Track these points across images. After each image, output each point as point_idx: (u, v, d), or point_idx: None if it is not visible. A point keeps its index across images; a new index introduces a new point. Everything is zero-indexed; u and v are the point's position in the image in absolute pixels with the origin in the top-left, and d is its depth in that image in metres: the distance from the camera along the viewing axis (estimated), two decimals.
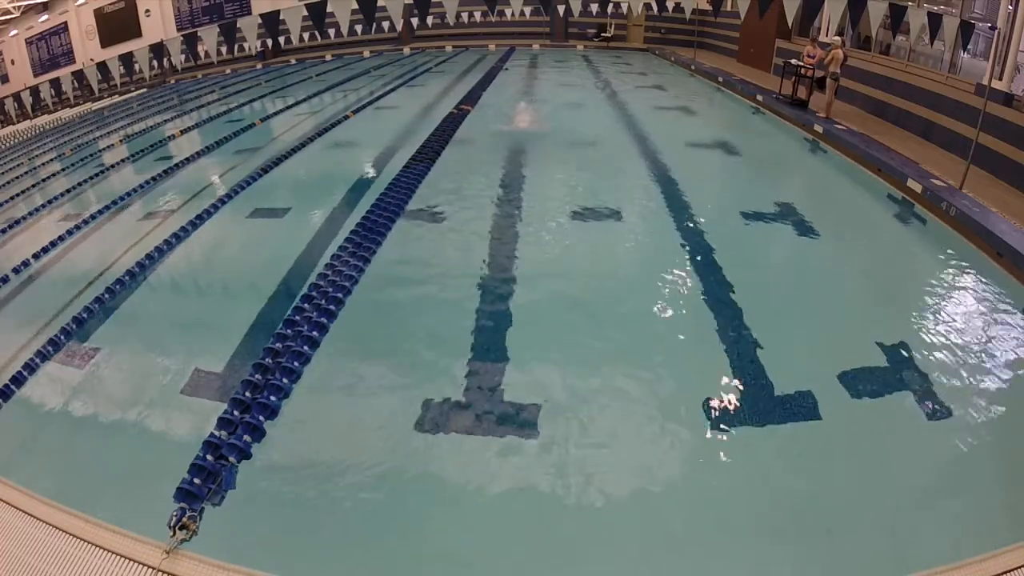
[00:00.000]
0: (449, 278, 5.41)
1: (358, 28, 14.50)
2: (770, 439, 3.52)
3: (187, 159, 10.09)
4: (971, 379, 3.98)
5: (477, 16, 17.76)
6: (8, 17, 23.92)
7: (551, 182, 7.79)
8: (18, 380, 4.34)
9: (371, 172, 8.54)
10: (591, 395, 3.87)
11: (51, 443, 3.86)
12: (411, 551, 2.96)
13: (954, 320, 4.68)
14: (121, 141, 12.70)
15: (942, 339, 4.41)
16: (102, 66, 10.19)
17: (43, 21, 24.05)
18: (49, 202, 8.77)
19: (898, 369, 4.04)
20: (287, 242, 6.25)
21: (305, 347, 4.33)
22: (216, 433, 3.57)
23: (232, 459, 3.41)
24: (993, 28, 8.30)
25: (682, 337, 4.51)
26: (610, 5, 15.79)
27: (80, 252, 6.80)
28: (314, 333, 4.48)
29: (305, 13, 8.10)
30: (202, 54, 10.48)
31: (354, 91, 15.78)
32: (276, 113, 13.99)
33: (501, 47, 23.14)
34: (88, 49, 23.39)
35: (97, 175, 10.03)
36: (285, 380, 4.02)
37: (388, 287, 5.33)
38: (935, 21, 8.55)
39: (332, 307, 4.83)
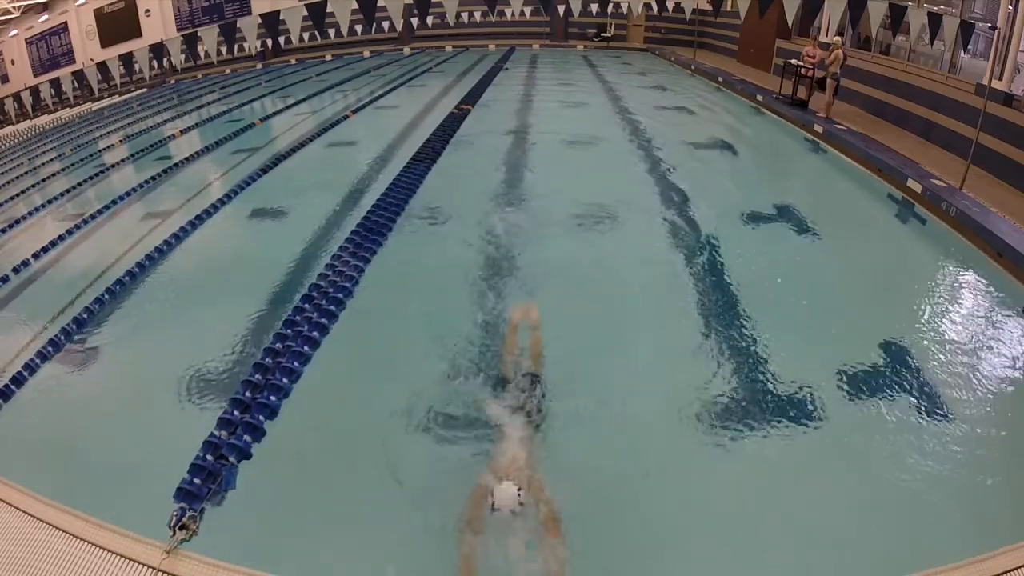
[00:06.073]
0: (450, 278, 5.41)
1: (358, 28, 14.52)
2: (769, 438, 3.52)
3: (187, 159, 10.08)
4: (971, 379, 3.98)
5: (477, 16, 17.76)
6: (8, 17, 23.88)
7: (551, 182, 7.79)
8: (18, 380, 4.34)
9: (371, 172, 8.53)
10: (591, 396, 3.87)
11: (51, 443, 3.85)
12: (411, 551, 2.96)
13: (954, 320, 4.69)
14: (121, 141, 12.69)
15: (942, 339, 4.41)
16: (102, 66, 10.21)
17: (43, 21, 24.01)
18: (49, 202, 8.76)
19: (898, 369, 4.04)
20: (287, 242, 6.25)
21: (305, 347, 4.32)
22: (216, 433, 3.57)
23: (232, 459, 3.41)
24: (993, 28, 8.29)
25: (681, 337, 4.50)
26: (610, 5, 15.80)
27: (80, 252, 6.80)
28: (314, 333, 4.48)
29: (305, 13, 8.10)
30: (202, 54, 10.49)
31: (354, 91, 15.78)
32: (276, 113, 13.98)
33: (501, 47, 23.12)
34: (88, 49, 23.35)
35: (97, 175, 10.03)
36: (285, 380, 4.02)
37: (388, 287, 5.33)
38: (935, 21, 8.55)
39: (332, 307, 4.83)
